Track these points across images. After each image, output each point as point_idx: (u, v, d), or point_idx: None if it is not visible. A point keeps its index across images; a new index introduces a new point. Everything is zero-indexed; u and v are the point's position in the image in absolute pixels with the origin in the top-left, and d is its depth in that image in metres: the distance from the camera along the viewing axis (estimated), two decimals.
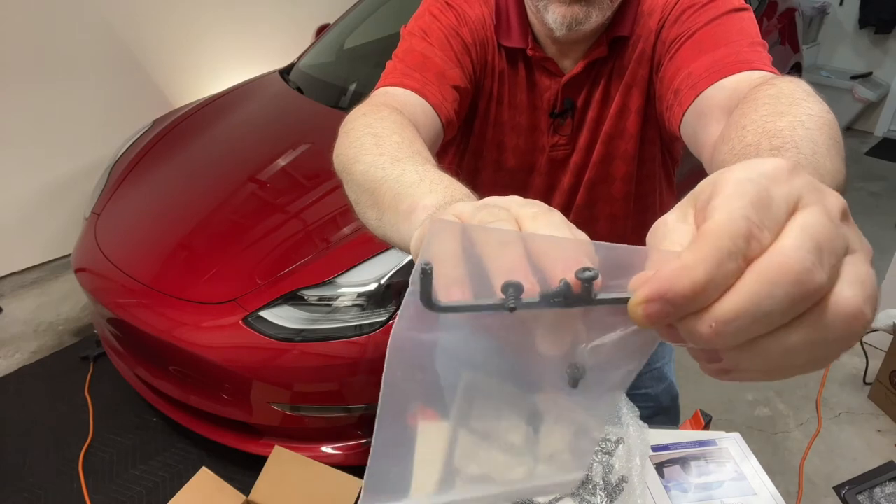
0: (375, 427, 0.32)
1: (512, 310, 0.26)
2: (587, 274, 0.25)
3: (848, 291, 0.23)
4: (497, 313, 0.26)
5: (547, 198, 0.90)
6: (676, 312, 0.24)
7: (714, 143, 0.56)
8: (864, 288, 0.24)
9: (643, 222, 0.92)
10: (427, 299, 0.26)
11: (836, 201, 0.25)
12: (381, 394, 0.30)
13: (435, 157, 0.59)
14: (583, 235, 0.29)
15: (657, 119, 0.83)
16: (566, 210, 0.90)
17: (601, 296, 0.26)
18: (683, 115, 0.67)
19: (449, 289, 0.26)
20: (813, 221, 0.23)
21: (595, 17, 0.74)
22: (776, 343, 0.23)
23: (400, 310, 0.28)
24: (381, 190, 0.51)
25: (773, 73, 0.63)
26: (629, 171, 0.88)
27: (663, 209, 0.76)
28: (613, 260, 0.26)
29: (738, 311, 0.23)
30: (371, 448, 0.34)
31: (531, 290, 0.26)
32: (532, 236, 0.28)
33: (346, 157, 0.60)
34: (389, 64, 0.80)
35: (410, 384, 0.30)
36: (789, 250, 0.22)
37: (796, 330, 0.23)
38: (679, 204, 0.27)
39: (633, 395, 1.23)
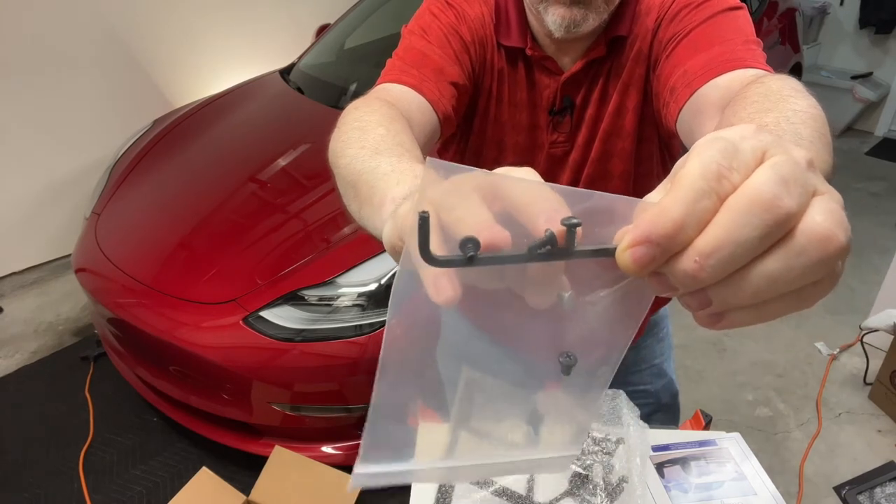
0: (375, 385, 0.32)
1: (503, 259, 0.25)
2: (572, 221, 0.25)
3: (818, 217, 0.25)
4: (485, 269, 0.26)
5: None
6: (662, 253, 0.25)
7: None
8: (833, 216, 0.25)
9: None
10: (426, 252, 0.25)
11: (801, 152, 0.27)
12: (381, 350, 0.30)
13: (435, 154, 0.59)
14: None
15: (654, 117, 0.83)
16: None
17: (588, 247, 0.26)
18: (679, 112, 0.68)
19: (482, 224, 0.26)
20: (780, 161, 0.25)
21: (592, 20, 0.75)
22: (758, 272, 0.25)
23: (399, 269, 0.28)
24: (360, 183, 0.51)
25: (766, 70, 0.63)
26: (626, 169, 0.89)
27: None
28: (599, 208, 0.26)
29: (717, 241, 0.24)
30: (370, 407, 0.32)
31: (517, 244, 0.26)
32: (513, 183, 0.27)
33: (333, 150, 0.60)
34: (389, 62, 0.81)
35: (412, 344, 0.29)
36: (759, 183, 0.24)
37: (774, 256, 0.25)
38: (662, 183, 0.29)
39: (633, 391, 1.22)
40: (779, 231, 0.25)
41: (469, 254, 0.25)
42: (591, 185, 0.90)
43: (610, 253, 0.26)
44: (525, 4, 0.81)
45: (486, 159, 0.91)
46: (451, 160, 0.92)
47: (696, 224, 0.25)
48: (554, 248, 0.25)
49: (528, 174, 0.29)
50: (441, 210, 0.27)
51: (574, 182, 0.91)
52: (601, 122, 0.86)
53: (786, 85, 0.53)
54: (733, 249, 0.24)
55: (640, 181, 0.91)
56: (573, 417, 0.35)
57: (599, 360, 0.31)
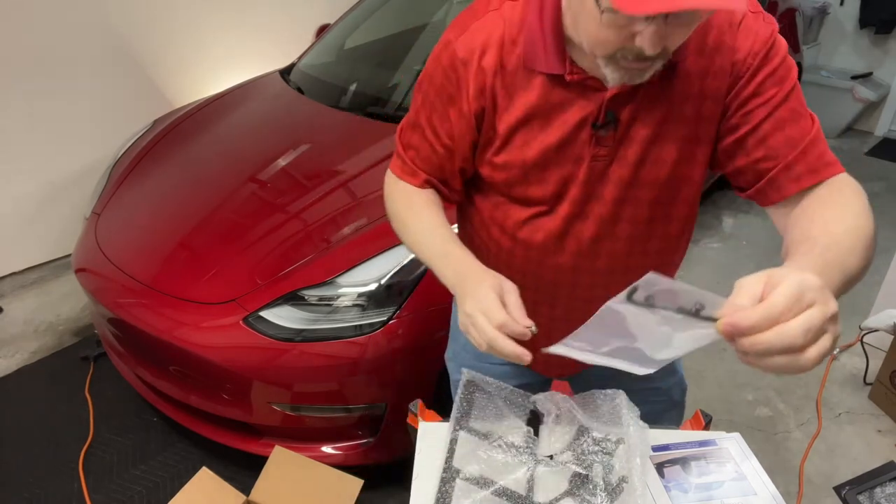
0: (599, 310, 0.61)
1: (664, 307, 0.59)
2: (699, 306, 0.58)
3: (813, 352, 0.54)
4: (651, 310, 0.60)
5: (584, 207, 0.90)
6: (737, 334, 0.55)
7: (793, 222, 0.79)
8: (821, 351, 0.54)
9: (659, 249, 0.98)
10: (630, 298, 0.59)
11: (832, 307, 0.54)
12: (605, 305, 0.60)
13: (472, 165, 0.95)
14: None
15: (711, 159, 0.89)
16: (604, 220, 0.91)
17: (706, 314, 0.58)
18: (782, 201, 0.83)
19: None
20: (813, 317, 0.53)
21: (648, 75, 0.76)
22: (772, 360, 0.55)
23: (617, 297, 0.58)
24: (422, 252, 0.94)
25: (841, 170, 0.83)
26: (693, 195, 0.93)
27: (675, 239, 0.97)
28: (712, 300, 0.57)
29: (761, 342, 0.54)
30: (590, 319, 0.64)
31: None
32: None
33: (399, 223, 0.98)
34: (398, 144, 1.01)
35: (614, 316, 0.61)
36: (794, 330, 0.53)
37: (783, 358, 0.54)
38: (759, 274, 0.56)
39: (647, 388, 1.22)
40: (791, 351, 0.53)
41: (651, 302, 0.60)
42: (654, 207, 0.91)
43: (713, 321, 0.57)
44: (564, 26, 0.79)
45: (526, 176, 0.90)
46: (487, 176, 0.95)
47: (758, 330, 0.53)
48: (689, 311, 0.58)
49: None
50: None
51: (620, 199, 0.89)
52: (666, 145, 0.85)
53: (858, 204, 0.77)
54: (766, 349, 0.54)
55: (697, 203, 0.98)
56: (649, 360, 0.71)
57: (674, 352, 0.66)
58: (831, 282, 0.64)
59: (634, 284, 0.56)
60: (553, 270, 0.97)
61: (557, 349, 0.70)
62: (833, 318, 0.54)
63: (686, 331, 0.60)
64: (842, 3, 4.43)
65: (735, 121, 0.82)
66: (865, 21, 4.32)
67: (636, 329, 0.64)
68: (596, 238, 0.92)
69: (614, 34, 0.69)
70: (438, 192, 0.99)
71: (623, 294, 0.58)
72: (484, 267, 0.84)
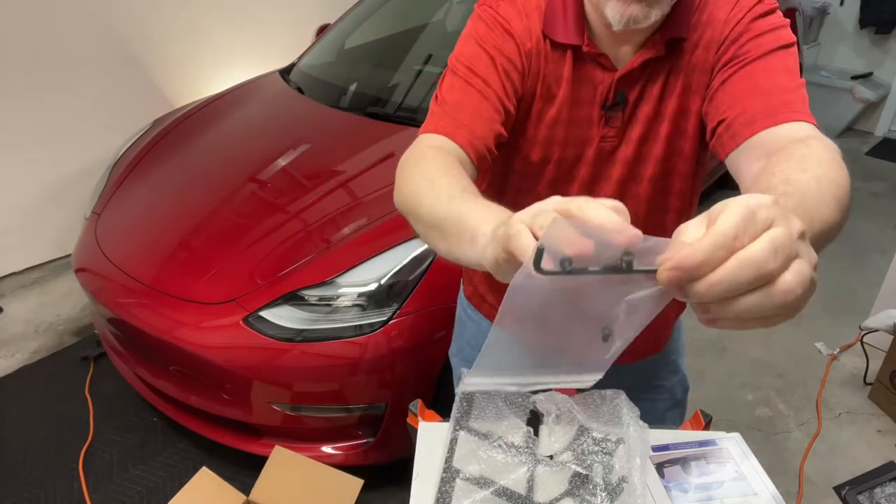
0: (492, 329, 0.49)
1: (586, 272, 0.43)
2: (628, 258, 0.42)
3: (788, 276, 0.38)
4: (571, 279, 0.43)
5: (592, 188, 0.91)
6: (687, 278, 0.39)
7: (753, 177, 0.69)
8: (800, 276, 0.38)
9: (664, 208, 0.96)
10: (538, 267, 0.42)
11: (797, 224, 0.40)
12: (502, 307, 0.46)
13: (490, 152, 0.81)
14: (623, 210, 0.45)
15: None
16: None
17: (640, 267, 0.42)
18: (734, 149, 0.76)
19: (574, 244, 0.42)
20: (777, 234, 0.38)
21: (654, 16, 0.76)
22: (742, 301, 0.38)
23: (519, 272, 0.43)
24: (445, 226, 0.64)
25: (812, 123, 0.73)
26: (688, 170, 0.91)
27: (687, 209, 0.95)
28: (650, 245, 0.42)
29: (721, 279, 0.38)
30: (486, 340, 0.51)
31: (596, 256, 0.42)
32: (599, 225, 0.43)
33: (409, 202, 0.74)
34: (432, 104, 0.86)
35: (522, 307, 0.47)
36: (756, 249, 0.37)
37: (754, 295, 0.38)
38: (699, 215, 0.42)
39: (652, 386, 1.23)
40: (761, 281, 0.38)
41: (567, 268, 0.42)
42: (655, 183, 0.91)
43: (653, 272, 0.42)
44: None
45: (535, 155, 0.90)
46: (504, 157, 0.91)
47: (711, 265, 0.38)
48: (619, 268, 0.42)
49: (555, 203, 0.46)
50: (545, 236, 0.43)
51: (628, 176, 0.90)
52: (663, 122, 0.86)
53: (825, 152, 0.64)
54: (729, 286, 0.38)
55: (696, 181, 0.95)
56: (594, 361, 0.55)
57: (622, 336, 0.50)
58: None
59: (539, 244, 0.42)
60: None
61: (469, 387, 0.61)
62: (802, 237, 0.40)
63: (620, 299, 0.45)
64: (842, 3, 4.43)
65: (714, 85, 0.81)
66: (865, 21, 4.32)
67: (557, 318, 0.49)
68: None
69: None
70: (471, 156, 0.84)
71: (528, 263, 0.43)
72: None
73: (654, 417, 1.16)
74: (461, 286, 1.26)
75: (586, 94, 0.85)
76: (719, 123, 0.78)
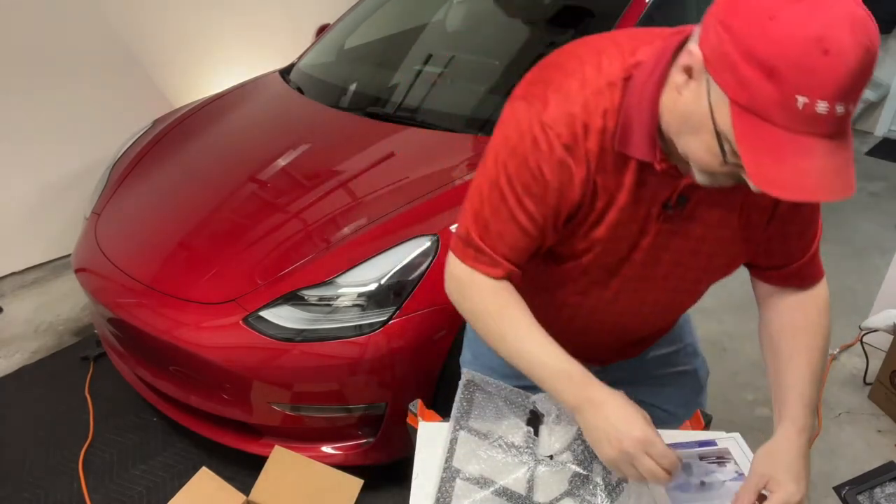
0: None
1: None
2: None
3: None
4: None
5: (642, 270, 0.94)
6: None
7: (773, 320, 1.03)
8: None
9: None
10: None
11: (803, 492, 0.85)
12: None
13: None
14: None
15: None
16: (656, 279, 0.96)
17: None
18: (767, 282, 1.03)
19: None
20: None
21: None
22: None
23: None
24: (531, 367, 0.89)
25: (821, 277, 1.05)
26: (725, 270, 0.99)
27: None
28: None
29: None
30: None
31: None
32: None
33: (487, 330, 0.92)
34: (471, 210, 0.89)
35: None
36: None
37: None
38: (749, 482, 0.88)
39: (678, 373, 1.27)
40: None
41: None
42: (701, 272, 0.98)
43: None
44: (662, 124, 0.79)
45: (593, 245, 0.91)
46: (555, 241, 0.93)
47: None
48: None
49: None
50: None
51: (675, 262, 0.94)
52: (717, 226, 0.90)
53: (824, 329, 1.04)
54: None
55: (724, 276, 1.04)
56: None
57: None
58: (810, 417, 0.92)
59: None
60: (598, 316, 1.03)
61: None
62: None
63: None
64: None
65: (770, 226, 0.92)
66: None
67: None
68: (643, 292, 0.98)
69: (725, 170, 0.73)
70: (512, 279, 0.91)
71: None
72: (608, 388, 0.86)
73: (681, 403, 1.25)
74: None
75: (650, 197, 0.86)
76: (765, 264, 1.00)
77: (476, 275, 0.90)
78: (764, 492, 0.86)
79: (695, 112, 0.71)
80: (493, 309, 0.90)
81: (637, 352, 1.19)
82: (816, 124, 0.62)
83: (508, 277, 0.90)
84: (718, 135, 0.69)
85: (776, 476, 0.85)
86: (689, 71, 0.71)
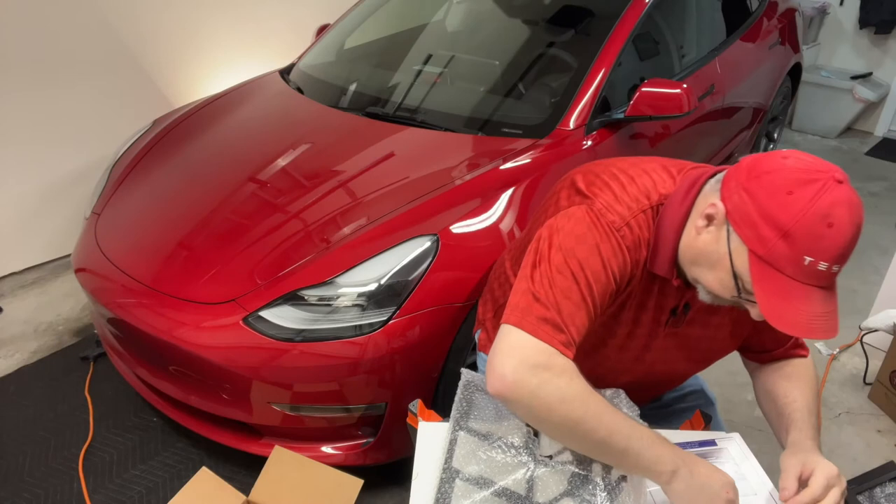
0: None
1: None
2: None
3: (831, 500, 0.93)
4: None
5: (643, 354, 1.11)
6: None
7: (767, 379, 1.16)
8: (837, 499, 0.93)
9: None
10: None
11: (843, 482, 0.95)
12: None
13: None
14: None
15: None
16: (659, 351, 1.12)
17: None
18: (759, 362, 1.19)
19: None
20: (835, 494, 0.93)
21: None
22: None
23: None
24: (628, 443, 0.88)
25: (805, 354, 1.17)
26: (716, 357, 1.17)
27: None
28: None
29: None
30: None
31: None
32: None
33: (572, 419, 0.87)
34: (544, 286, 0.91)
35: None
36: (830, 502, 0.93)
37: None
38: (790, 470, 0.97)
39: (683, 408, 1.38)
40: None
41: None
42: (699, 353, 1.15)
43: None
44: (680, 247, 0.95)
45: (619, 335, 1.08)
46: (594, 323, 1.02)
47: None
48: None
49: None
50: None
51: (683, 347, 1.12)
52: (718, 331, 1.11)
53: (811, 374, 1.15)
54: None
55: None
56: None
57: None
58: (817, 435, 1.03)
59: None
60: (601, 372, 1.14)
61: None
62: (843, 487, 0.95)
63: None
64: (841, 3, 4.44)
65: (759, 322, 1.02)
66: (865, 21, 4.32)
67: None
68: (656, 366, 1.15)
69: (733, 298, 0.91)
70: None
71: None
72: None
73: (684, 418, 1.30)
74: (475, 338, 1.39)
75: (661, 303, 1.03)
76: (757, 349, 1.17)
77: (559, 357, 0.87)
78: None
79: (713, 252, 0.89)
80: (587, 392, 0.87)
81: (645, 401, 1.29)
82: (817, 278, 0.81)
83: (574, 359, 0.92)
84: (735, 275, 0.87)
85: (808, 460, 0.96)
86: (710, 218, 0.89)
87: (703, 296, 0.96)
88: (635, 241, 0.95)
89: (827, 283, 0.82)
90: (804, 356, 1.15)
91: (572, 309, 0.89)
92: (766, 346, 1.15)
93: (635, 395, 1.11)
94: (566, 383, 0.86)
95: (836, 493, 0.92)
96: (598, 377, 1.08)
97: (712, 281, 0.91)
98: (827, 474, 0.92)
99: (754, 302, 0.85)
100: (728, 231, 0.86)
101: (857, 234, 0.80)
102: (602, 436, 0.86)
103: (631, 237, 0.94)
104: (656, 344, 1.08)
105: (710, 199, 0.90)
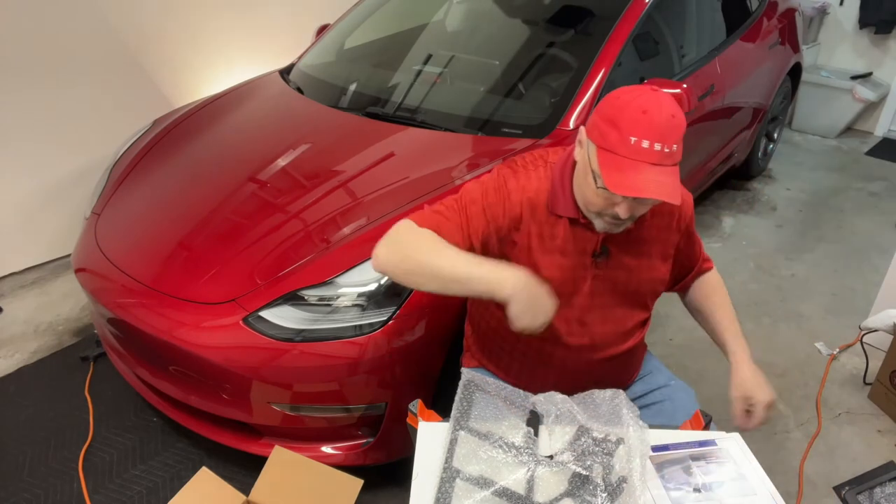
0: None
1: None
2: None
3: (761, 414, 1.28)
4: None
5: (587, 301, 1.28)
6: (751, 426, 1.30)
7: (693, 298, 1.49)
8: (766, 413, 1.28)
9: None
10: None
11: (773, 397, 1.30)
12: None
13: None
14: None
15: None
16: (597, 306, 1.30)
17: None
18: (684, 289, 1.50)
19: None
20: (770, 411, 1.29)
21: (622, 227, 1.17)
22: (757, 423, 1.29)
23: None
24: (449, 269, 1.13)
25: (711, 266, 1.50)
26: (653, 290, 1.35)
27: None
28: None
29: (756, 424, 1.29)
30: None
31: None
32: None
33: (415, 256, 1.16)
34: (429, 208, 1.25)
35: None
36: (766, 416, 1.28)
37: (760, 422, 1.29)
38: (737, 398, 1.29)
39: (662, 395, 1.49)
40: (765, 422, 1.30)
41: None
42: (629, 294, 1.31)
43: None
44: (574, 192, 1.19)
45: (545, 280, 1.19)
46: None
47: (755, 423, 1.29)
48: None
49: None
50: None
51: (612, 294, 1.29)
52: (642, 269, 1.28)
53: (721, 285, 1.47)
54: (758, 426, 1.29)
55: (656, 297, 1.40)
56: None
57: None
58: (741, 339, 1.36)
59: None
60: (574, 339, 1.31)
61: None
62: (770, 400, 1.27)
63: None
64: (841, 3, 4.44)
65: (676, 252, 1.35)
66: (865, 21, 4.32)
67: None
68: (588, 320, 1.31)
69: (602, 200, 1.11)
70: None
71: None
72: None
73: (669, 418, 1.41)
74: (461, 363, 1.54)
75: (579, 246, 1.23)
76: (680, 273, 1.44)
77: (411, 225, 1.20)
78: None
79: (581, 164, 1.14)
80: (432, 238, 1.18)
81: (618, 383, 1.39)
82: (644, 155, 1.03)
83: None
84: (593, 171, 1.09)
85: (751, 394, 1.26)
86: (580, 143, 1.14)
87: (596, 224, 1.17)
88: (520, 186, 1.22)
89: (655, 160, 1.03)
90: (711, 268, 1.48)
91: (449, 216, 1.22)
92: (682, 271, 1.43)
93: (595, 366, 1.33)
94: (413, 237, 1.18)
95: (768, 412, 1.27)
96: (545, 343, 1.30)
97: (586, 190, 1.13)
98: (767, 405, 1.26)
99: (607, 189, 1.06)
100: (588, 144, 1.11)
101: (669, 119, 1.03)
102: (448, 271, 1.12)
103: (516, 184, 1.22)
104: (586, 287, 1.26)
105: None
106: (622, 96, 1.07)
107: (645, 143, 1.02)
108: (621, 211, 1.09)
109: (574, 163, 1.19)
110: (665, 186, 1.04)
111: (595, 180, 1.09)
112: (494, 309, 1.31)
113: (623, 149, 1.03)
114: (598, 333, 1.31)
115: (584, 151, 1.13)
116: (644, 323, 1.40)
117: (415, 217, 1.21)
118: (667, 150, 1.04)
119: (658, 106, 1.04)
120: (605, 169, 1.06)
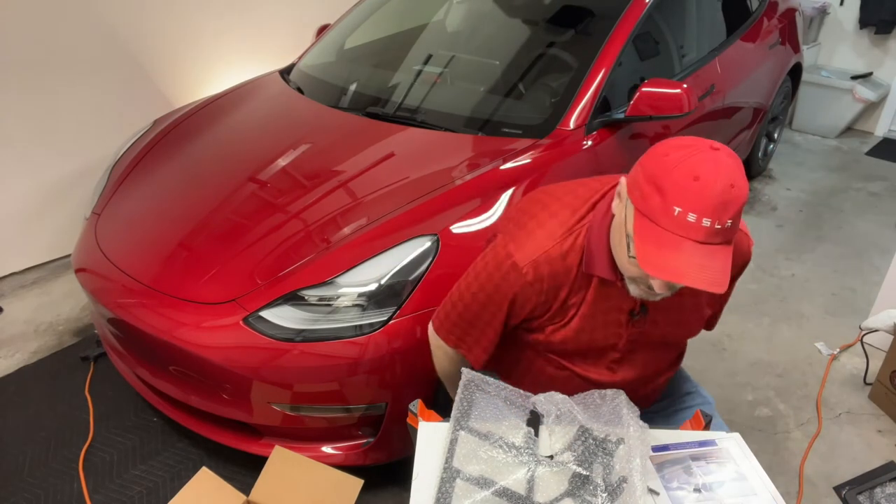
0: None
1: None
2: None
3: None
4: None
5: (621, 355, 1.22)
6: None
7: None
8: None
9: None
10: None
11: None
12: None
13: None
14: None
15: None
16: (634, 360, 1.25)
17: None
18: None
19: None
20: None
21: (658, 298, 1.05)
22: None
23: None
24: None
25: None
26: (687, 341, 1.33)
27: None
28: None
29: None
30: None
31: None
32: None
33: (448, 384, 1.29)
34: (449, 309, 1.25)
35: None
36: None
37: None
38: None
39: (686, 407, 1.43)
40: None
41: None
42: (667, 344, 1.27)
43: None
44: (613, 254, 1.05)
45: (579, 341, 1.19)
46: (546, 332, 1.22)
47: None
48: None
49: None
50: None
51: (646, 349, 1.23)
52: (678, 328, 1.22)
53: None
54: None
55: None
56: None
57: None
58: None
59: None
60: (581, 382, 1.26)
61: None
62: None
63: None
64: (842, 3, 4.44)
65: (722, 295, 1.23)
66: (865, 21, 4.32)
67: None
68: (620, 368, 1.24)
69: (636, 270, 0.97)
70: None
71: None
72: None
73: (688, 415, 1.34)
74: None
75: (617, 306, 1.13)
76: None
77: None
78: None
79: (618, 223, 1.00)
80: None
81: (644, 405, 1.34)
82: (687, 230, 0.87)
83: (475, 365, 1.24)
84: (627, 236, 0.95)
85: None
86: (619, 195, 1.00)
87: (630, 289, 1.05)
88: (551, 269, 1.10)
89: (702, 238, 0.87)
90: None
91: (470, 319, 1.20)
92: (719, 309, 1.31)
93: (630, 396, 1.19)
94: (443, 368, 1.34)
95: None
96: (573, 378, 1.25)
97: (620, 255, 1.00)
98: None
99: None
100: (627, 201, 0.96)
101: (726, 190, 0.85)
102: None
103: (534, 273, 1.10)
104: (621, 344, 1.19)
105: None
106: (671, 153, 0.89)
107: (692, 217, 0.85)
108: (656, 286, 0.95)
109: (612, 217, 1.04)
110: (708, 272, 0.87)
111: (629, 246, 0.95)
112: (544, 365, 1.27)
113: (665, 219, 0.88)
114: (630, 377, 1.25)
115: (622, 207, 0.98)
116: (680, 356, 1.34)
117: (442, 333, 1.27)
118: (718, 227, 0.86)
119: (715, 171, 0.85)
120: (641, 240, 0.91)
